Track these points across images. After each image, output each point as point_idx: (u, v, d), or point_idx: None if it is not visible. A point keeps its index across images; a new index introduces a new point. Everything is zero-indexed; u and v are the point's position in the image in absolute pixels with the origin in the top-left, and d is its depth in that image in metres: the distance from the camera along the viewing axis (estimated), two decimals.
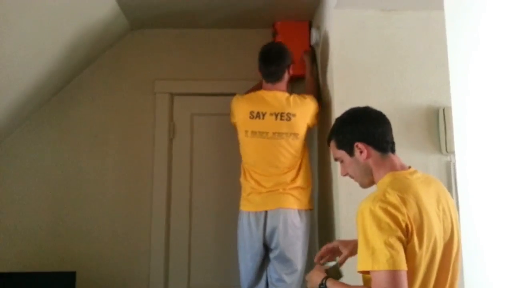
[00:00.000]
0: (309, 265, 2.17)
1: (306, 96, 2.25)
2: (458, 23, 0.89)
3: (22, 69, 2.21)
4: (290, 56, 2.28)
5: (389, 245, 1.18)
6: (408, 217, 1.23)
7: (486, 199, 0.78)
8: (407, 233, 1.22)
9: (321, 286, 1.36)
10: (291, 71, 2.30)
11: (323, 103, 2.35)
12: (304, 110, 2.19)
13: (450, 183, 2.08)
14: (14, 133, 2.67)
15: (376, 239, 1.20)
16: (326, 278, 1.37)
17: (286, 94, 2.22)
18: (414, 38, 2.17)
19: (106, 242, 2.62)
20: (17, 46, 2.02)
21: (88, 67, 2.76)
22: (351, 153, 1.43)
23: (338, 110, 2.09)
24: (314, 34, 2.49)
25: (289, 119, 2.16)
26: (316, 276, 1.42)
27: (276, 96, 2.20)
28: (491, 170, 0.77)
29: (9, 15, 1.83)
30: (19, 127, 2.68)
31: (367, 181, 1.43)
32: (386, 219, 1.21)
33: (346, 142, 1.44)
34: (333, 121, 2.13)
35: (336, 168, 2.08)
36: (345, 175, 1.49)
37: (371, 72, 2.14)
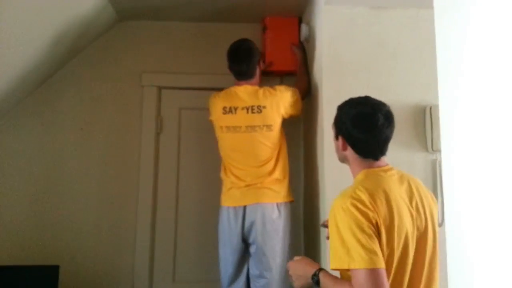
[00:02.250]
0: (291, 258, 2.18)
1: (277, 87, 2.28)
2: (447, 22, 0.89)
3: (7, 60, 2.16)
4: (259, 52, 2.34)
5: (364, 243, 1.20)
6: (377, 215, 1.24)
7: (472, 198, 0.78)
8: (377, 230, 1.24)
9: (314, 277, 1.36)
10: (262, 66, 2.36)
11: (312, 97, 2.36)
12: (275, 101, 2.21)
13: (435, 181, 2.10)
14: None
15: (350, 236, 1.22)
16: (320, 269, 1.37)
17: (256, 87, 2.26)
18: (402, 36, 2.18)
19: (90, 236, 2.59)
20: (2, 36, 1.98)
21: (74, 58, 2.71)
22: (336, 137, 1.49)
23: (326, 106, 2.10)
24: (304, 30, 2.48)
25: (260, 111, 2.18)
26: (308, 266, 1.41)
27: (247, 90, 2.24)
28: (476, 168, 0.77)
29: None
30: (3, 118, 2.62)
31: (341, 161, 1.53)
32: (358, 215, 1.23)
33: (335, 127, 1.49)
34: (320, 118, 2.16)
35: (323, 161, 2.09)
36: None
37: (360, 69, 2.14)
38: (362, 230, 1.21)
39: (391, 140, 1.43)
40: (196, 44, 2.79)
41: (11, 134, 2.63)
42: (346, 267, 1.22)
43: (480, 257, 0.74)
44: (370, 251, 1.19)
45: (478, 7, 0.77)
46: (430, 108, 2.12)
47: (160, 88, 2.77)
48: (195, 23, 2.78)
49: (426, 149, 2.13)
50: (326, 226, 1.54)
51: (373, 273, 1.18)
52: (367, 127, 1.39)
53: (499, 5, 0.71)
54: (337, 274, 1.35)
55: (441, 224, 2.08)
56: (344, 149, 1.45)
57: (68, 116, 2.68)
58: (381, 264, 1.19)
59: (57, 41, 2.34)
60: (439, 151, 2.08)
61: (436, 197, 2.08)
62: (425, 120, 2.14)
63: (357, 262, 1.19)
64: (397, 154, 2.07)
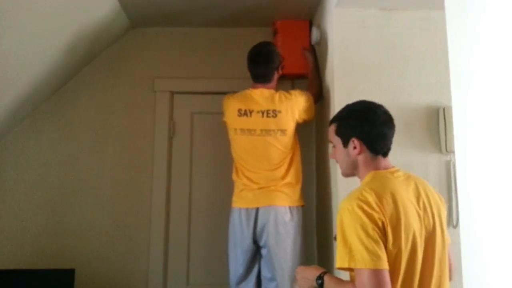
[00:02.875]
0: (303, 263, 2.18)
1: (292, 92, 2.28)
2: (458, 23, 0.89)
3: (23, 68, 2.21)
4: (279, 57, 2.33)
5: (366, 244, 1.22)
6: (384, 215, 1.27)
7: (486, 199, 0.78)
8: (383, 231, 1.26)
9: (318, 281, 1.39)
10: (280, 71, 2.35)
11: (324, 100, 2.36)
12: (289, 106, 2.22)
13: (450, 182, 2.08)
14: (14, 131, 2.67)
15: (354, 237, 1.24)
16: (325, 272, 1.40)
17: (272, 91, 2.26)
18: (414, 37, 2.17)
19: (105, 239, 2.62)
20: (18, 44, 2.02)
21: (88, 65, 2.76)
22: (345, 144, 1.48)
23: (338, 108, 2.07)
24: (315, 33, 2.49)
25: (275, 116, 2.19)
26: (315, 270, 1.45)
27: (263, 94, 2.25)
28: (491, 169, 0.77)
29: (10, 13, 1.82)
30: (19, 125, 2.68)
31: (349, 173, 1.51)
32: (363, 217, 1.25)
33: (345, 133, 1.48)
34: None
35: (335, 166, 2.09)
36: (333, 158, 1.57)
37: (371, 71, 2.14)
38: (367, 233, 1.24)
39: (393, 138, 1.47)
40: (208, 49, 2.81)
41: (27, 140, 2.68)
42: (346, 265, 1.25)
43: (495, 257, 0.74)
44: (372, 253, 1.21)
45: (490, 8, 0.77)
46: (444, 110, 2.11)
47: (172, 93, 2.79)
48: (206, 28, 2.81)
49: (440, 151, 2.12)
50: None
51: (376, 273, 1.20)
52: (373, 120, 1.44)
53: (510, 6, 0.70)
54: (346, 277, 1.36)
55: (456, 225, 2.06)
56: (360, 153, 1.44)
57: (82, 121, 2.72)
58: (384, 266, 1.21)
59: (72, 48, 2.38)
60: (453, 152, 2.06)
61: (451, 198, 2.07)
62: (438, 121, 2.12)
63: (359, 262, 1.22)
64: (411, 155, 2.07)
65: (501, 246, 0.73)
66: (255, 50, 2.31)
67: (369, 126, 1.44)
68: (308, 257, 2.36)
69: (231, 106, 2.27)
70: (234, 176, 2.30)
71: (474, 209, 0.82)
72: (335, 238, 1.59)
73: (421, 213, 1.34)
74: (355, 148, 1.45)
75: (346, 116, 1.51)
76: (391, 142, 1.46)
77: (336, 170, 2.08)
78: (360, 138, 1.45)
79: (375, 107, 1.47)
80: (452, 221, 2.06)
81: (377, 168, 1.43)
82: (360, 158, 1.45)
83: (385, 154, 1.45)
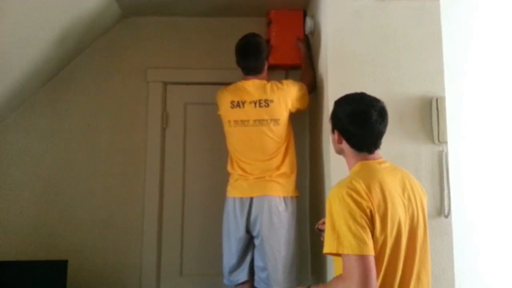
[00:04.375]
0: (296, 254, 2.20)
1: (284, 81, 2.30)
2: (453, 13, 0.89)
3: (13, 58, 2.18)
4: (267, 47, 2.36)
5: (354, 231, 1.28)
6: (372, 204, 1.32)
7: (478, 189, 0.79)
8: (371, 218, 1.31)
9: None
10: (270, 61, 2.38)
11: (317, 90, 2.36)
12: (282, 96, 2.22)
13: (442, 172, 2.09)
14: (5, 121, 2.64)
15: (342, 224, 1.30)
16: (309, 286, 1.48)
17: (264, 82, 2.27)
18: (408, 27, 2.16)
19: (98, 231, 2.62)
20: (8, 34, 1.99)
21: (80, 55, 2.73)
22: (332, 130, 1.57)
23: (331, 99, 2.08)
24: (309, 23, 2.48)
25: (267, 106, 2.20)
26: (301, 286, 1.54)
27: (255, 84, 2.26)
28: (482, 159, 0.77)
29: (0, 3, 1.80)
30: (10, 115, 2.65)
31: (338, 153, 1.60)
32: (352, 205, 1.31)
33: (332, 121, 1.57)
34: (325, 111, 2.17)
35: (328, 155, 2.10)
36: None
37: (365, 61, 2.13)
38: (354, 219, 1.29)
39: (384, 134, 1.50)
40: (201, 39, 2.79)
41: (19, 131, 2.66)
42: (334, 251, 1.30)
43: (486, 246, 0.75)
44: (359, 239, 1.26)
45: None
46: (437, 100, 2.11)
47: (165, 84, 2.78)
48: (200, 18, 2.78)
49: (433, 141, 2.12)
50: (319, 229, 1.64)
51: (362, 259, 1.25)
52: (361, 123, 1.47)
53: None
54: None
55: (448, 215, 2.08)
56: (340, 142, 1.53)
57: (74, 112, 2.70)
58: (370, 252, 1.27)
59: (63, 39, 2.35)
60: (445, 142, 2.07)
61: (443, 188, 2.09)
62: (431, 111, 2.13)
63: (346, 248, 1.27)
64: (404, 145, 2.08)
65: (492, 235, 0.74)
66: (243, 42, 2.31)
67: (349, 126, 1.48)
68: (301, 248, 2.37)
69: (224, 99, 2.28)
70: (229, 168, 2.30)
71: (466, 199, 0.83)
72: (317, 229, 1.67)
73: (406, 202, 1.40)
74: (337, 138, 1.53)
75: (337, 107, 1.55)
76: (379, 140, 1.49)
77: (329, 160, 2.09)
78: (340, 133, 1.51)
79: (369, 107, 1.46)
80: (444, 211, 2.08)
81: (364, 159, 1.48)
82: (345, 148, 1.52)
83: (369, 151, 1.49)
